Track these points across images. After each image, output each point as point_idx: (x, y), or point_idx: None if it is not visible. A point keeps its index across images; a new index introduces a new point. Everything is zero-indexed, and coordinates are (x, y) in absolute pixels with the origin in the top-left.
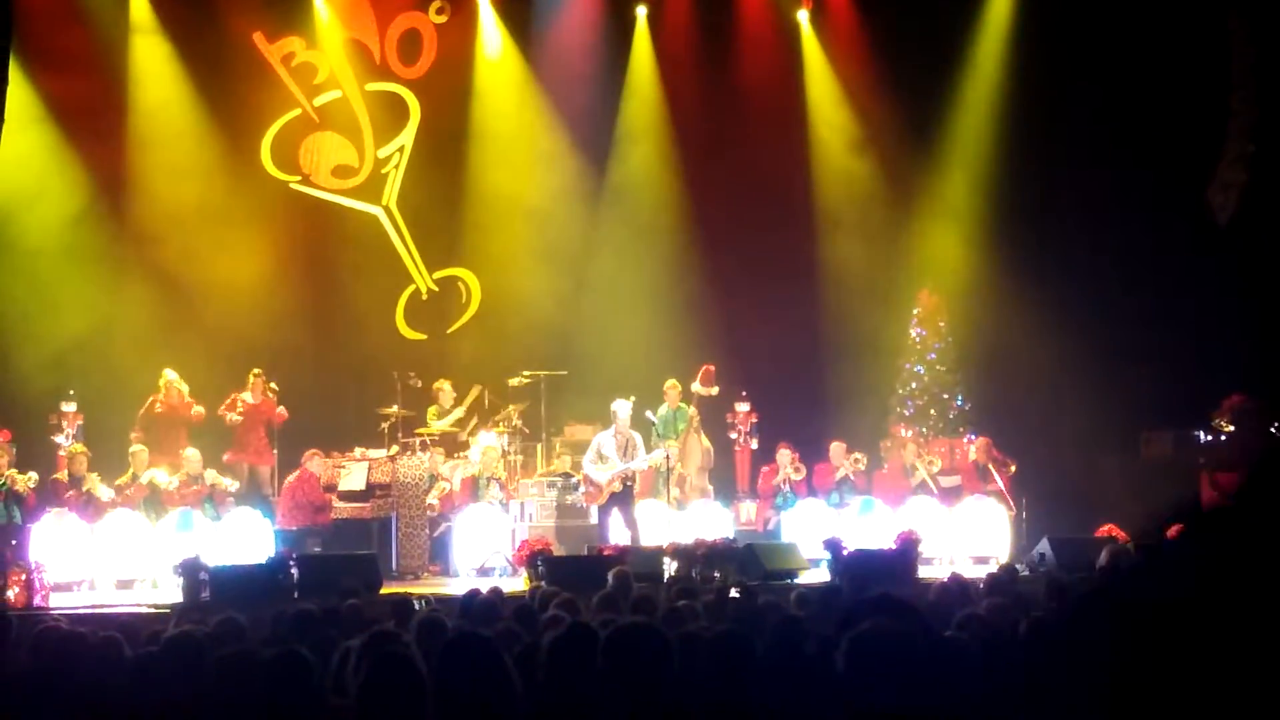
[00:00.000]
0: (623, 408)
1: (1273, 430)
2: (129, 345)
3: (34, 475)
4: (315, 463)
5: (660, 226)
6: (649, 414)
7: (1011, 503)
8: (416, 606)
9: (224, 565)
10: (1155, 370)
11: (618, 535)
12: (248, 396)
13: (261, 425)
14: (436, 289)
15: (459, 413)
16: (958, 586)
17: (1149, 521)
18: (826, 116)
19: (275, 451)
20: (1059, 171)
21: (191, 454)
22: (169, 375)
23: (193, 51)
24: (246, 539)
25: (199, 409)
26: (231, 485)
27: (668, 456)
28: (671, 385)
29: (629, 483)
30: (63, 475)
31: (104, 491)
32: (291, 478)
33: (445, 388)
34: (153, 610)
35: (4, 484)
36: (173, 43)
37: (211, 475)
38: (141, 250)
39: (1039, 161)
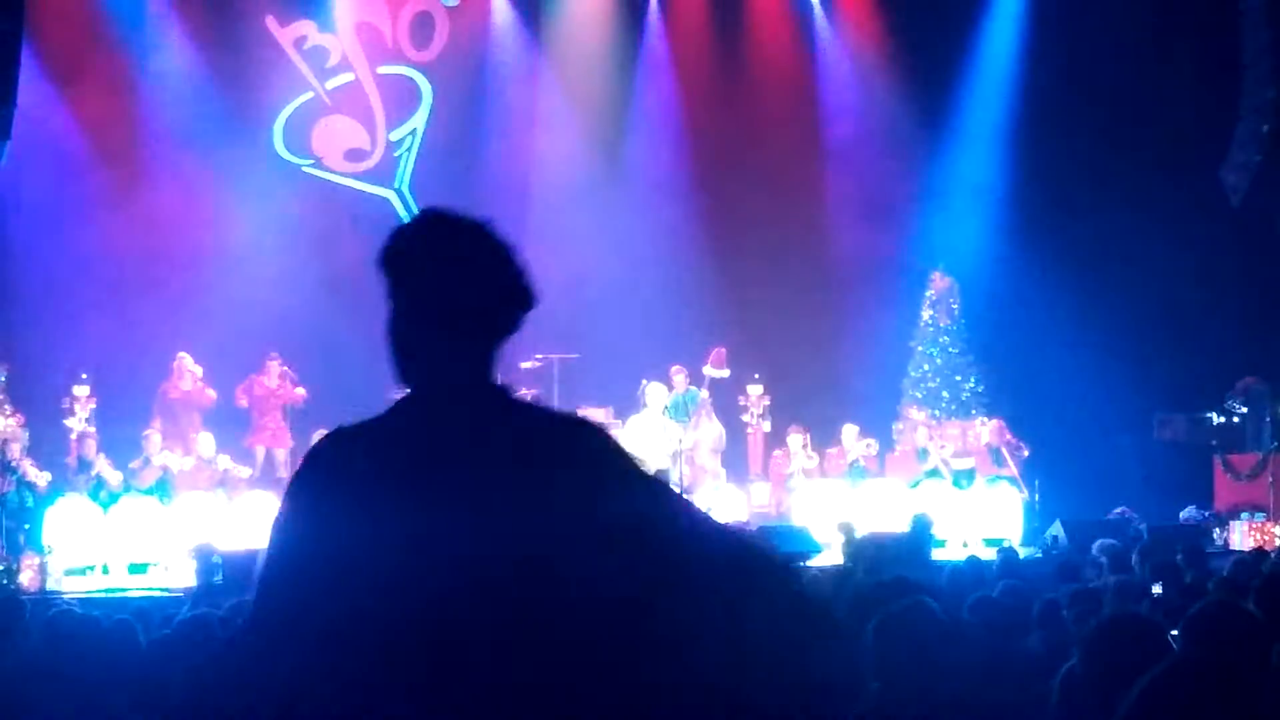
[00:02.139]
0: (655, 392)
1: None
2: (142, 328)
3: (48, 475)
4: None
5: (672, 209)
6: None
7: (1024, 485)
8: None
9: (237, 550)
10: (1168, 352)
11: None
12: (264, 380)
13: (279, 408)
14: None
15: None
16: (971, 569)
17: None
18: (839, 97)
19: (290, 434)
20: (1072, 152)
21: (204, 438)
22: (182, 358)
23: (205, 35)
24: (260, 523)
25: (211, 392)
26: (244, 473)
27: (679, 440)
28: (677, 370)
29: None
30: (72, 459)
31: (113, 475)
32: None
33: None
34: (166, 594)
35: (16, 471)
36: (185, 26)
37: (225, 460)
38: (153, 233)
39: (1052, 142)
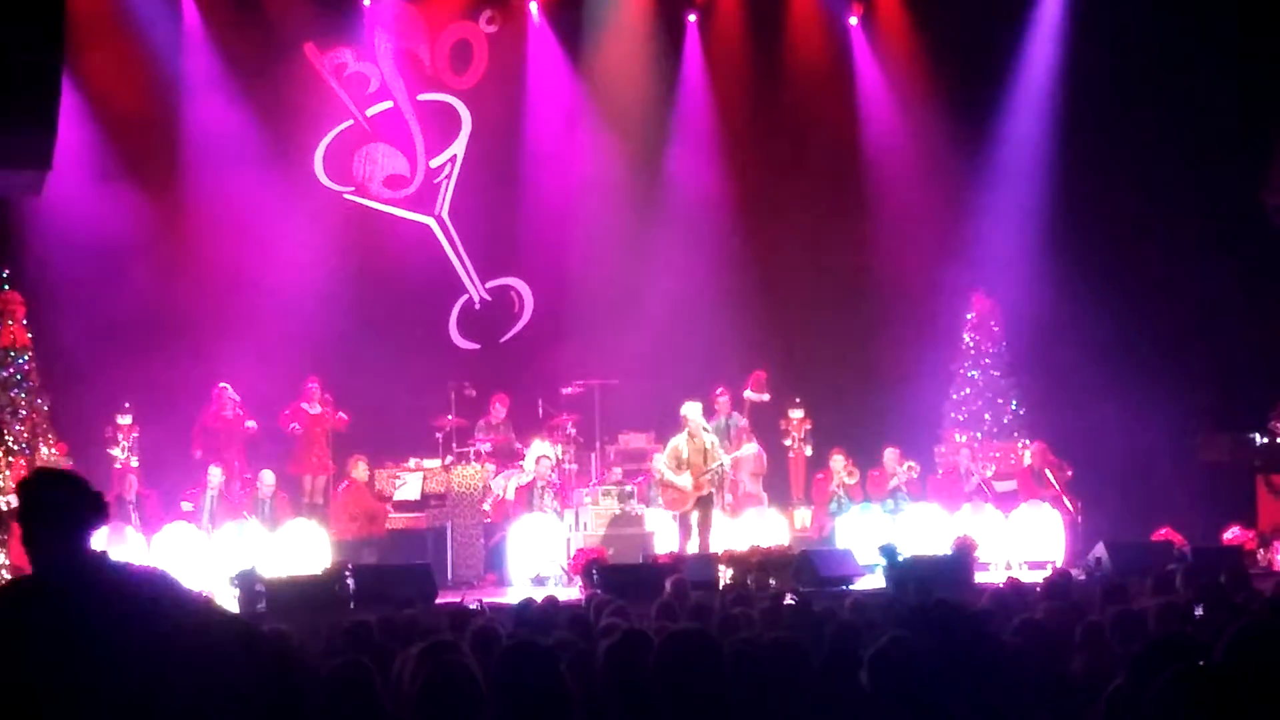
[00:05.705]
0: (693, 410)
1: None
2: (183, 356)
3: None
4: (360, 469)
5: (712, 232)
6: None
7: (1069, 506)
8: (472, 613)
9: (280, 576)
10: (1211, 373)
11: (674, 542)
12: (308, 406)
13: (323, 435)
14: (489, 298)
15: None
16: (1014, 591)
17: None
18: (877, 119)
19: (331, 460)
20: (1113, 173)
21: (266, 476)
22: (223, 388)
23: (245, 63)
24: (302, 550)
25: (251, 423)
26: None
27: (721, 465)
28: (720, 393)
29: (712, 488)
30: (116, 490)
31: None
32: (342, 488)
33: (497, 407)
34: None
35: None
36: (225, 55)
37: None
38: (195, 261)
39: (1093, 163)
